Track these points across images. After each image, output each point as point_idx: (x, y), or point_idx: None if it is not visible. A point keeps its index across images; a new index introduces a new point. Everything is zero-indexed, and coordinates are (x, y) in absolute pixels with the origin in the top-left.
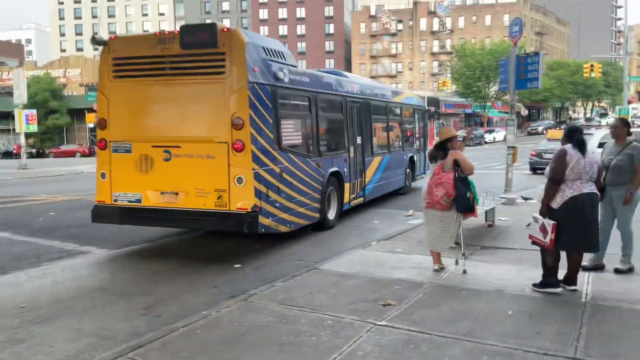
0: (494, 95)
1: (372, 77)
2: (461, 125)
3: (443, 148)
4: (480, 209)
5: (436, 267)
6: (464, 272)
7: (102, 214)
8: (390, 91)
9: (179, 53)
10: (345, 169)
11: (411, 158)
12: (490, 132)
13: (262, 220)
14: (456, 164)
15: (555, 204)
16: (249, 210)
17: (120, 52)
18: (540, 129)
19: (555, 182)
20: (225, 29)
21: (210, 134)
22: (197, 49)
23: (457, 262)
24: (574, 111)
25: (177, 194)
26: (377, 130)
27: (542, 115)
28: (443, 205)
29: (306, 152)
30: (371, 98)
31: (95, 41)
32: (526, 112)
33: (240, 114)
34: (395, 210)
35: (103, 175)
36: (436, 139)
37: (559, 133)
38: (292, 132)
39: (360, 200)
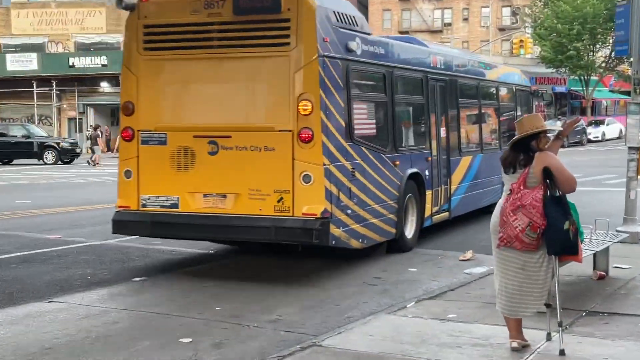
0: (604, 64)
1: (403, 33)
2: (547, 111)
3: (525, 149)
4: (585, 250)
5: (515, 344)
6: (562, 353)
7: (127, 223)
8: (484, 65)
9: (231, 20)
10: (427, 172)
11: None
12: (598, 123)
13: (333, 229)
14: (547, 174)
15: None
16: (319, 215)
17: (153, 18)
18: None
19: None
20: None
21: (270, 120)
22: (255, 14)
23: (549, 337)
24: None
25: (225, 196)
26: (467, 120)
27: None
28: (526, 244)
29: (381, 146)
30: (459, 75)
31: (122, 4)
32: None
33: (308, 95)
34: (440, 250)
35: (128, 174)
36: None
37: None
38: (364, 119)
39: (445, 215)
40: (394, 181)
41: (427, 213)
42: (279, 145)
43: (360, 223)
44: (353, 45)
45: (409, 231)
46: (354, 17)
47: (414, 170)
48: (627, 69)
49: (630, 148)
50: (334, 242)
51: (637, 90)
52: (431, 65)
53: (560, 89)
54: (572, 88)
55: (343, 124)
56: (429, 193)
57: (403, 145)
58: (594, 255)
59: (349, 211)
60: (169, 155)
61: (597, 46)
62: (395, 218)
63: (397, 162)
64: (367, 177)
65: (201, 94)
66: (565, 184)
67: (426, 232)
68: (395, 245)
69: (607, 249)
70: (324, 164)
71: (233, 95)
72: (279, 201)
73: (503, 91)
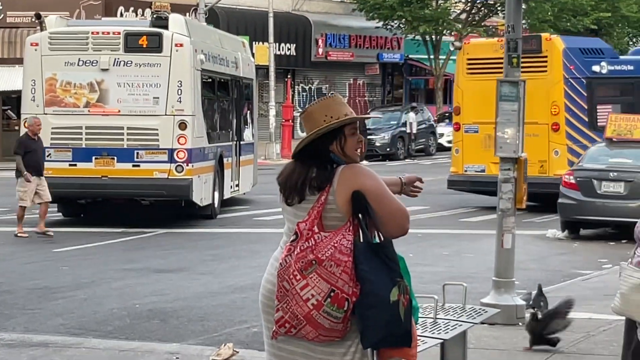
0: (464, 16)
1: None
2: (370, 96)
3: (320, 160)
4: (425, 338)
5: None
6: None
7: (456, 182)
8: None
9: None
10: None
11: None
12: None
13: None
14: (360, 205)
15: None
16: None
17: (472, 54)
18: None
19: None
20: (548, 38)
21: (535, 118)
22: (527, 54)
23: None
24: None
25: None
26: None
27: None
28: (324, 329)
29: None
30: None
31: (455, 47)
32: None
33: (557, 102)
34: None
35: (457, 151)
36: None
37: None
38: (604, 114)
39: None
40: None
41: None
42: (540, 133)
43: None
44: (597, 68)
45: None
46: (600, 49)
47: None
48: (502, 24)
49: (503, 160)
50: None
51: (514, 61)
52: None
53: (392, 56)
54: (411, 56)
55: (586, 118)
56: None
57: None
58: (442, 347)
59: None
60: (479, 139)
61: None
62: None
63: None
64: None
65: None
66: (391, 221)
67: None
68: None
69: (463, 335)
70: (567, 144)
71: None
72: (540, 167)
73: None
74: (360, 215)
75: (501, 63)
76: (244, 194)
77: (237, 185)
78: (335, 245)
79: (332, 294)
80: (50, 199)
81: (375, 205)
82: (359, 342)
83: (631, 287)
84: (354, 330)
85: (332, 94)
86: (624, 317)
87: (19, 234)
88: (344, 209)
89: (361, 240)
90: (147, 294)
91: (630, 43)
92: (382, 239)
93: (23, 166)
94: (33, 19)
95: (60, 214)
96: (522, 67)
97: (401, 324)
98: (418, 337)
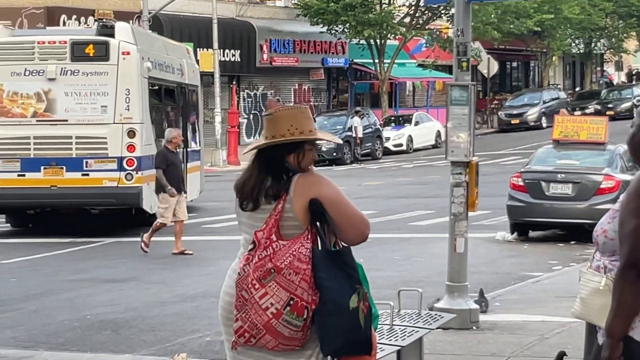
0: (408, 20)
1: None
2: (315, 100)
3: (276, 168)
4: (383, 346)
5: None
6: None
7: None
8: None
9: None
10: None
11: None
12: (401, 122)
13: None
14: (318, 213)
15: None
16: None
17: None
18: (532, 115)
19: None
20: None
21: None
22: None
23: None
24: (618, 65)
25: None
26: None
27: (535, 78)
28: (284, 338)
29: None
30: None
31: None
32: (495, 67)
33: None
34: None
35: None
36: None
37: (599, 123)
38: None
39: None
40: None
41: None
42: None
43: None
44: None
45: None
46: None
47: None
48: (447, 28)
49: (454, 164)
50: None
51: (464, 65)
52: None
53: (337, 61)
54: (355, 60)
55: None
56: None
57: None
58: (398, 354)
59: None
60: None
61: None
62: None
63: None
64: None
65: None
66: (349, 228)
67: None
68: None
69: (419, 341)
70: None
71: None
72: None
73: None
74: (318, 223)
75: None
76: (192, 201)
77: (185, 193)
78: (294, 253)
79: (291, 302)
80: (187, 218)
81: (333, 213)
82: (319, 350)
83: (591, 292)
84: (313, 339)
85: (274, 98)
86: (581, 321)
87: (143, 247)
88: (301, 217)
89: (319, 247)
90: (98, 304)
91: (573, 44)
92: (341, 246)
93: (165, 180)
94: None
95: (9, 224)
96: None
97: (361, 331)
98: (378, 341)
